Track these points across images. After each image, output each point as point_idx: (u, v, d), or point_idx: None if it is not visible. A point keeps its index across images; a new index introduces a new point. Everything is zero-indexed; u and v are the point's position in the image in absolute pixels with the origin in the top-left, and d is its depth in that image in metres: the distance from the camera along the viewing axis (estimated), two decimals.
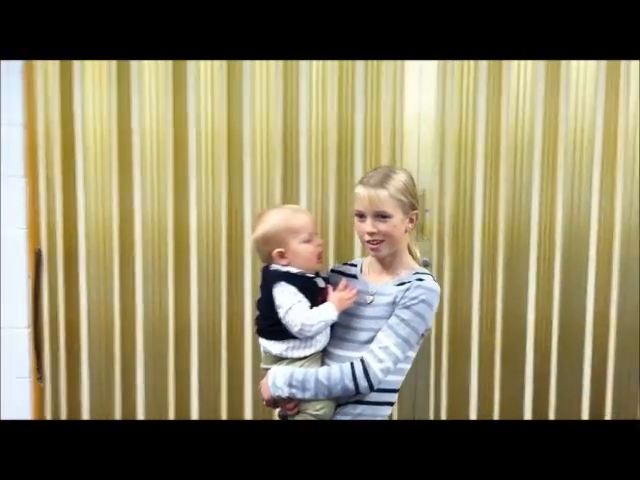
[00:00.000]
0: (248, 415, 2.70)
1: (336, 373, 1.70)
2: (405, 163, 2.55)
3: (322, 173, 2.60)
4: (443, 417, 2.66)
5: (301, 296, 1.75)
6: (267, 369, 1.81)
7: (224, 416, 2.70)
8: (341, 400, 1.74)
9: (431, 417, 2.66)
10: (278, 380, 1.73)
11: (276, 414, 1.91)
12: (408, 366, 1.79)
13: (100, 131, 2.62)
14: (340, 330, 1.81)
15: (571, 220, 2.57)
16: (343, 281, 1.81)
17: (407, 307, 1.71)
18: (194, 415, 2.70)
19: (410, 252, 1.87)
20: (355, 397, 1.73)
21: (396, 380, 1.78)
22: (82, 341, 2.70)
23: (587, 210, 2.56)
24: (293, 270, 1.78)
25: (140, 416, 2.71)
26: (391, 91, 2.56)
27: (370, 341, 1.73)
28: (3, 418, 2.64)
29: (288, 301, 1.74)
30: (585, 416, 2.64)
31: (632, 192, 2.54)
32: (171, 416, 2.71)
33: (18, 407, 2.67)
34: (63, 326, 2.70)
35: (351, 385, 1.69)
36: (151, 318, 2.68)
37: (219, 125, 2.60)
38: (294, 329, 1.73)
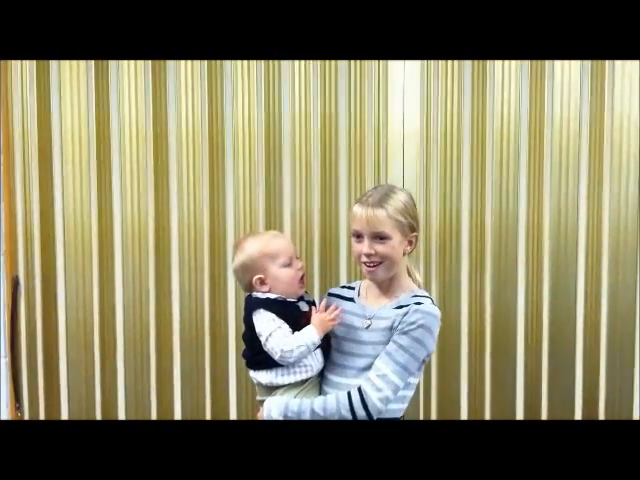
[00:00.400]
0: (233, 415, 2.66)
1: (332, 403, 1.64)
2: (390, 175, 2.51)
3: (306, 188, 2.54)
4: (433, 417, 2.62)
5: (280, 322, 1.71)
6: (262, 401, 1.76)
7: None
8: None
9: (421, 417, 2.61)
10: (273, 412, 1.67)
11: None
12: (410, 393, 1.74)
13: (79, 149, 2.56)
14: (337, 356, 1.76)
15: (559, 224, 2.53)
16: (324, 301, 1.77)
17: (405, 333, 1.65)
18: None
19: (410, 274, 1.82)
20: None
21: (398, 408, 1.72)
22: (61, 369, 2.64)
23: (575, 212, 2.52)
24: (272, 296, 1.74)
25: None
26: (375, 101, 2.52)
27: (368, 368, 1.67)
28: None
29: (267, 328, 1.70)
30: (578, 416, 2.61)
31: (620, 192, 2.51)
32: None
33: None
34: (41, 354, 2.63)
35: (348, 415, 1.63)
36: (132, 341, 2.62)
37: (199, 125, 2.55)
38: (275, 356, 1.69)
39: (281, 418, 1.66)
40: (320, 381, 1.78)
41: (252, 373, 1.78)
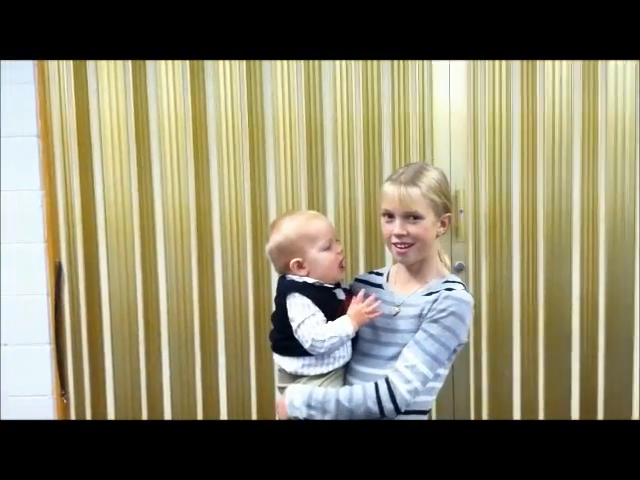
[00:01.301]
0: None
1: (359, 394, 1.55)
2: (436, 161, 2.42)
3: (349, 172, 2.48)
4: (484, 417, 2.56)
5: (316, 309, 1.61)
6: (283, 388, 1.67)
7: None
8: None
9: (472, 417, 2.56)
10: (296, 400, 1.58)
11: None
12: (439, 385, 1.64)
13: (118, 137, 2.52)
14: (364, 344, 1.66)
15: (615, 211, 2.44)
16: (362, 291, 1.64)
17: (435, 321, 1.55)
18: (223, 416, 2.63)
19: (440, 259, 1.71)
20: (380, 420, 1.56)
21: (425, 401, 1.62)
22: (106, 354, 2.62)
23: (632, 196, 2.44)
24: (310, 280, 1.64)
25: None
26: (419, 85, 2.44)
27: (396, 357, 1.57)
28: None
29: (301, 314, 1.60)
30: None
31: None
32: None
33: None
34: (86, 340, 2.62)
35: (375, 408, 1.53)
36: (176, 328, 2.59)
37: (239, 118, 2.49)
38: (305, 345, 1.59)
39: (304, 407, 1.57)
40: (345, 371, 1.68)
41: (277, 358, 1.69)
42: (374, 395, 1.54)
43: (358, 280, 1.80)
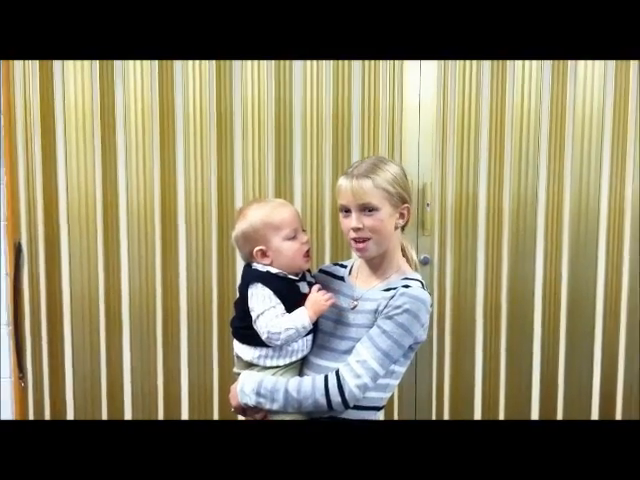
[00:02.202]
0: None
1: (307, 386, 1.53)
2: (405, 155, 2.42)
3: (317, 165, 2.47)
4: (446, 417, 2.57)
5: (276, 301, 1.58)
6: (239, 374, 1.65)
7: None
8: (313, 415, 1.57)
9: (433, 417, 2.56)
10: (246, 387, 1.57)
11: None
12: (394, 382, 1.62)
13: (82, 117, 2.48)
14: (320, 337, 1.64)
15: (579, 208, 2.47)
16: (316, 286, 1.63)
17: (390, 317, 1.53)
18: (184, 415, 2.61)
19: (405, 254, 1.69)
20: (328, 413, 1.55)
21: (377, 397, 1.60)
22: (65, 337, 2.59)
23: (596, 194, 2.46)
24: (273, 270, 1.61)
25: (127, 413, 2.61)
26: (389, 79, 2.43)
27: (350, 351, 1.55)
28: None
29: (261, 305, 1.57)
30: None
31: None
32: (160, 414, 2.61)
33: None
34: (45, 322, 2.58)
35: (323, 400, 1.51)
36: (137, 307, 2.56)
37: (207, 105, 2.46)
38: (262, 336, 1.57)
39: (253, 394, 1.56)
40: (301, 362, 1.66)
41: (236, 345, 1.68)
42: (323, 388, 1.52)
43: (322, 271, 1.79)
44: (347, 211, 1.59)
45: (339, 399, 1.51)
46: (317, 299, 1.59)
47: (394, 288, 1.57)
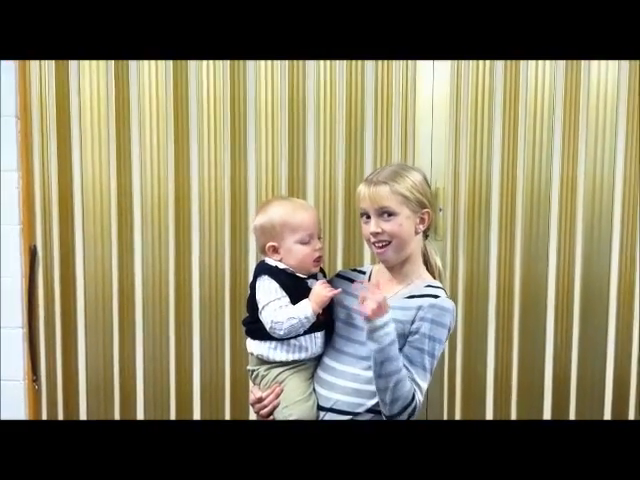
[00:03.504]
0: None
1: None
2: (417, 158, 2.42)
3: (330, 168, 2.47)
4: (457, 417, 2.56)
5: (282, 294, 1.62)
6: (252, 371, 1.71)
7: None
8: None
9: (445, 417, 2.55)
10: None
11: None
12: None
13: (97, 119, 2.50)
14: (337, 340, 1.68)
15: (592, 212, 2.45)
16: (322, 279, 1.69)
17: (425, 335, 1.57)
18: (196, 415, 2.61)
19: (428, 260, 1.72)
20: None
21: None
22: (79, 340, 2.60)
23: (609, 202, 2.44)
24: (282, 266, 1.65)
25: (140, 415, 2.61)
26: (402, 81, 2.43)
27: (368, 357, 1.56)
28: None
29: (265, 297, 1.62)
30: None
31: None
32: (172, 413, 2.61)
33: (13, 410, 2.57)
34: (59, 325, 2.59)
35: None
36: (151, 311, 2.57)
37: (221, 101, 2.47)
38: (266, 327, 1.61)
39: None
40: (317, 364, 1.70)
41: (248, 341, 1.72)
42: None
43: (340, 276, 1.81)
44: (367, 216, 1.63)
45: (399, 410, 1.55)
46: (319, 291, 1.62)
47: (418, 296, 1.61)
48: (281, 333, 1.59)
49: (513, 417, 2.54)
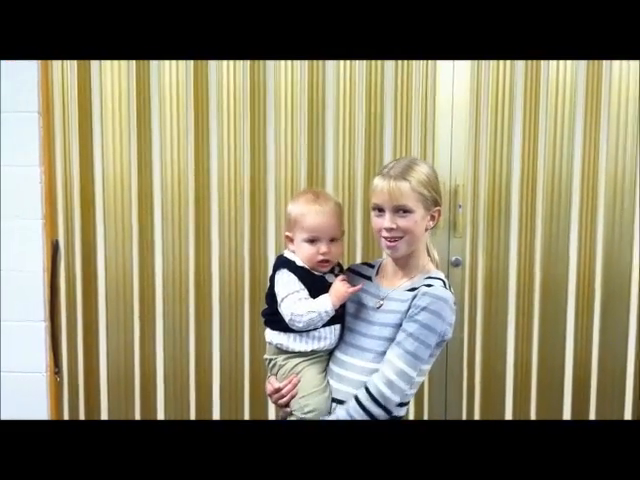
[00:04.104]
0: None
1: (343, 416, 1.59)
2: (437, 155, 2.42)
3: (349, 166, 2.47)
4: (476, 416, 2.55)
5: (301, 286, 1.66)
6: (270, 360, 1.75)
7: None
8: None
9: (464, 416, 2.55)
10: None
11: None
12: (419, 379, 1.65)
13: (119, 114, 2.51)
14: (347, 334, 1.71)
15: (614, 212, 2.43)
16: (341, 276, 1.71)
17: (413, 319, 1.57)
18: (216, 409, 2.63)
19: (428, 253, 1.73)
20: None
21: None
22: (100, 333, 2.63)
23: (631, 198, 2.42)
24: (299, 262, 1.69)
25: (160, 407, 2.64)
26: (422, 78, 2.42)
27: (375, 349, 1.61)
28: (20, 412, 2.58)
29: (285, 289, 1.66)
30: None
31: None
32: (192, 415, 2.63)
33: (35, 402, 2.61)
34: (81, 318, 2.62)
35: (368, 414, 1.57)
36: (171, 305, 2.59)
37: (240, 105, 2.48)
38: (286, 319, 1.64)
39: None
40: (329, 357, 1.73)
41: (266, 330, 1.76)
42: (358, 407, 1.57)
43: (350, 270, 1.84)
44: (380, 210, 1.63)
45: (379, 410, 1.56)
46: (339, 288, 1.65)
47: (418, 288, 1.61)
48: (300, 326, 1.63)
49: (532, 415, 2.53)
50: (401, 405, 1.64)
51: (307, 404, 1.64)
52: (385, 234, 1.62)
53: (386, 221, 1.60)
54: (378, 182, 1.62)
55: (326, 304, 1.63)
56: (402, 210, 1.59)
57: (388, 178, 1.59)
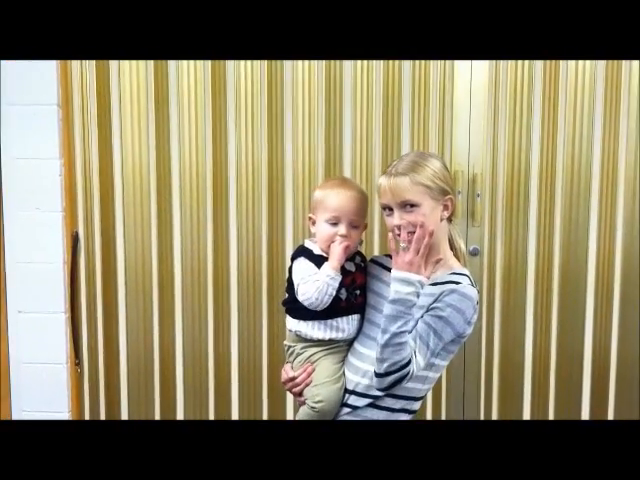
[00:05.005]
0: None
1: None
2: (455, 145, 2.41)
3: (367, 159, 2.47)
4: (494, 407, 2.56)
5: (317, 271, 1.66)
6: (289, 347, 1.76)
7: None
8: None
9: (482, 417, 2.55)
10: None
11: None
12: (434, 375, 1.65)
13: (137, 106, 2.53)
14: (366, 325, 1.70)
15: (634, 203, 2.42)
16: (339, 239, 1.67)
17: (434, 312, 1.56)
18: (234, 399, 2.65)
19: (453, 245, 1.71)
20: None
21: (416, 387, 1.63)
22: (120, 325, 2.65)
23: None
24: (317, 251, 1.70)
25: (179, 397, 2.66)
26: (440, 67, 2.42)
27: None
28: (41, 403, 2.62)
29: (300, 275, 1.67)
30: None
31: None
32: (211, 403, 2.65)
33: (56, 392, 2.64)
34: (101, 310, 2.64)
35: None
36: (190, 295, 2.60)
37: (258, 104, 2.49)
38: (304, 303, 1.65)
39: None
40: (347, 349, 1.73)
41: (287, 319, 1.77)
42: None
43: (372, 261, 1.83)
44: (389, 209, 1.62)
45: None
46: (333, 248, 1.66)
47: (441, 283, 1.60)
48: (313, 301, 1.63)
49: (551, 404, 2.53)
50: (415, 399, 1.65)
51: (318, 393, 1.65)
52: (397, 232, 1.60)
53: (395, 218, 1.59)
54: (382, 181, 1.62)
55: (326, 269, 1.64)
56: (408, 205, 1.58)
57: (389, 176, 1.60)
